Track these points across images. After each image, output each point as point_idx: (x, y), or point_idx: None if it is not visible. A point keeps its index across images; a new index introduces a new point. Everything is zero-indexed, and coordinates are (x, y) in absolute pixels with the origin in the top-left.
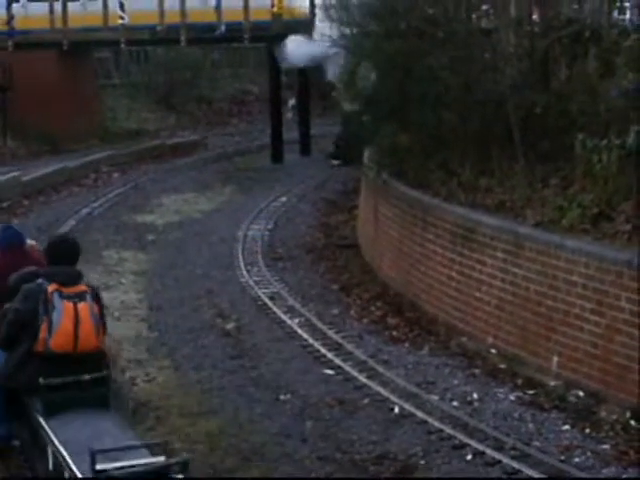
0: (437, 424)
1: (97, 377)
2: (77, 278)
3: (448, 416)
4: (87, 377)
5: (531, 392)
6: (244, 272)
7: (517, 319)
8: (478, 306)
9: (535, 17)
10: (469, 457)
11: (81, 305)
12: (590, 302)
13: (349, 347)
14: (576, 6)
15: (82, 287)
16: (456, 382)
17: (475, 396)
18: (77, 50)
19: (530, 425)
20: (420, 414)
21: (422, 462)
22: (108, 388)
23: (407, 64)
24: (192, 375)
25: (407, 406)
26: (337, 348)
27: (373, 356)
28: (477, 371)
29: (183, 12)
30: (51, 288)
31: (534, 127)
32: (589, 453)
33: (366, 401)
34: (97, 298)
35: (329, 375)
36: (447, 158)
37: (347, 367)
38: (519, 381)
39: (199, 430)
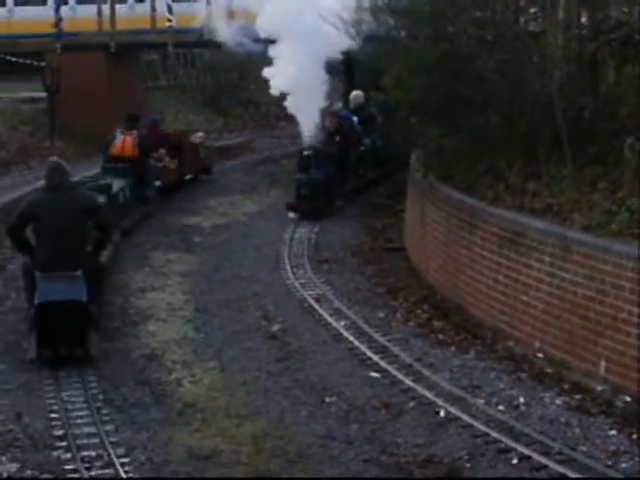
0: (483, 428)
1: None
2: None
3: (494, 420)
4: None
5: (578, 397)
6: (290, 274)
7: (564, 323)
8: (525, 310)
9: (584, 20)
10: (515, 461)
11: None
12: (638, 307)
13: (395, 350)
14: (626, 9)
15: None
16: (502, 386)
17: (521, 400)
18: (124, 52)
19: (576, 430)
20: (466, 418)
21: (467, 466)
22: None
23: (455, 67)
24: (238, 377)
25: (453, 410)
26: (383, 351)
27: (419, 359)
28: (523, 375)
29: (231, 13)
30: None
31: (582, 130)
32: (637, 459)
33: (412, 404)
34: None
35: (375, 378)
36: (494, 161)
37: (393, 370)
38: (566, 386)
39: (244, 432)
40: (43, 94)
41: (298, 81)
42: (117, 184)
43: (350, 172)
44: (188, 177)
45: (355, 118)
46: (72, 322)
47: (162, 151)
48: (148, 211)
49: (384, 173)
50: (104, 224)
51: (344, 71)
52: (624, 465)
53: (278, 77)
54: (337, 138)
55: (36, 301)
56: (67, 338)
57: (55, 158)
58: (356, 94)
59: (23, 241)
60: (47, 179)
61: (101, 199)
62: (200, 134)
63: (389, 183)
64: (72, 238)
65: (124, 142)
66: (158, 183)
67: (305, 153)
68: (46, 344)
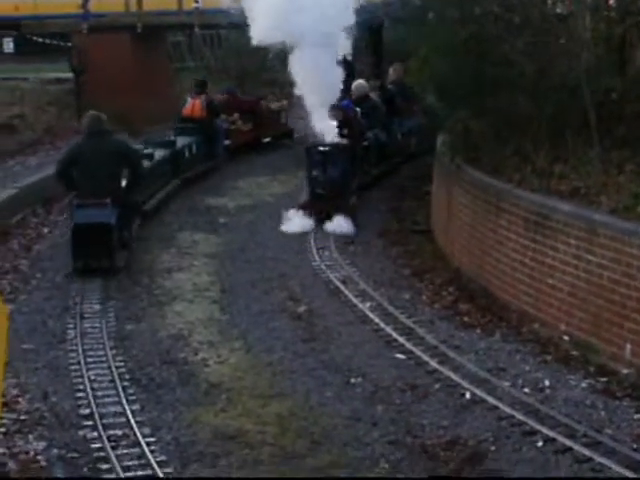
0: (508, 410)
1: None
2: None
3: (519, 402)
4: None
5: (603, 380)
6: (315, 256)
7: (590, 306)
8: (551, 293)
9: (612, 2)
10: (540, 444)
11: None
12: None
13: (420, 332)
14: None
15: None
16: (527, 368)
17: (547, 383)
18: (151, 33)
19: (602, 413)
20: (491, 400)
21: (492, 448)
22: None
23: (482, 49)
24: (263, 357)
25: (478, 392)
26: (408, 333)
27: (444, 341)
28: (549, 358)
29: None
30: None
31: (610, 113)
32: None
33: (437, 386)
34: None
35: (400, 360)
36: (521, 144)
37: (418, 352)
38: (591, 368)
39: (270, 412)
40: (69, 75)
41: (313, 82)
42: (183, 141)
43: (358, 167)
44: (266, 140)
45: (358, 109)
46: (100, 240)
47: (236, 115)
48: (215, 166)
49: (389, 169)
50: (134, 165)
51: (372, 46)
52: None
53: (297, 79)
54: (345, 131)
55: (72, 224)
56: (96, 253)
57: (93, 111)
58: (359, 84)
59: (69, 180)
60: (87, 127)
61: (137, 146)
62: (282, 102)
63: (414, 165)
64: (107, 175)
65: (193, 105)
66: (227, 142)
67: (320, 149)
68: (79, 258)
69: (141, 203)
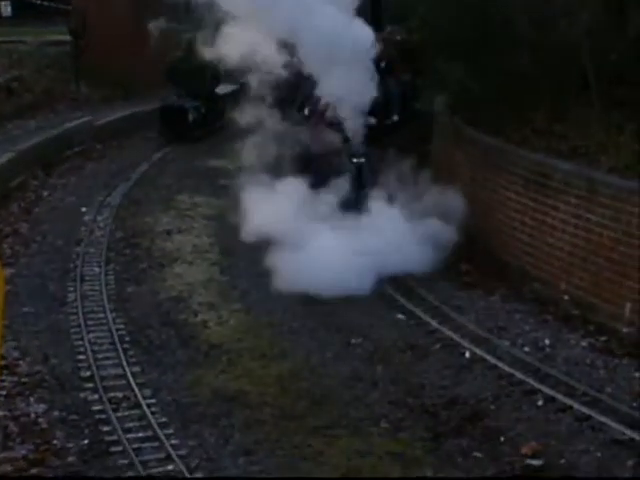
0: (508, 369)
1: None
2: None
3: (519, 361)
4: None
5: (603, 338)
6: None
7: (590, 265)
8: (551, 252)
9: None
10: (540, 403)
11: None
12: None
13: (421, 292)
14: None
15: None
16: (527, 328)
17: (547, 342)
18: None
19: (602, 371)
20: (491, 359)
21: (492, 407)
22: None
23: (482, 7)
24: (264, 318)
25: (478, 351)
26: (409, 293)
27: (445, 302)
28: (549, 317)
29: None
30: None
31: (610, 73)
32: None
33: (437, 346)
34: None
35: (401, 320)
36: (521, 104)
37: (419, 312)
38: (591, 327)
39: (270, 373)
40: (68, 37)
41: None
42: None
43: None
44: None
45: None
46: (178, 120)
47: None
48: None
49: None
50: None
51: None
52: None
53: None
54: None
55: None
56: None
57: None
58: None
59: None
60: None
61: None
62: None
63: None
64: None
65: None
66: None
67: (356, 161)
68: (163, 132)
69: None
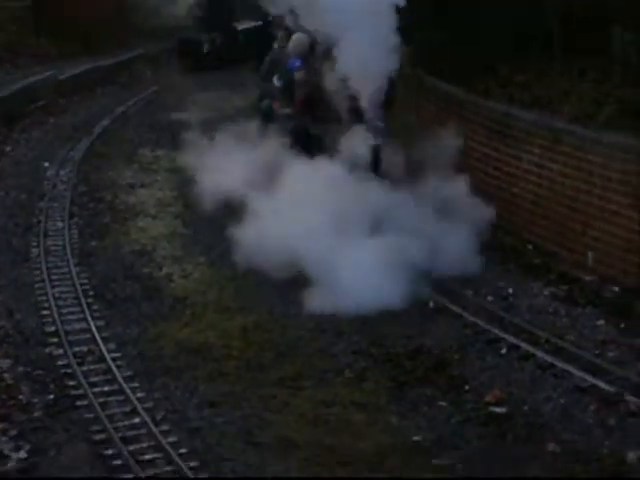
0: (472, 319)
1: None
2: None
3: (483, 310)
4: None
5: (566, 287)
6: None
7: (553, 214)
8: (513, 201)
9: None
10: (503, 351)
11: None
12: (626, 197)
13: None
14: None
15: None
16: (491, 277)
17: (510, 291)
18: None
19: (565, 320)
20: (455, 309)
21: (456, 356)
22: None
23: None
24: (228, 271)
25: (442, 301)
26: None
27: None
28: (512, 266)
29: None
30: None
31: (572, 21)
32: (624, 348)
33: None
34: None
35: None
36: (484, 54)
37: None
38: (554, 276)
39: (235, 325)
40: None
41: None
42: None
43: None
44: None
45: None
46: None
47: None
48: None
49: None
50: None
51: None
52: (611, 354)
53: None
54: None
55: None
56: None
57: None
58: (298, 38)
59: None
60: None
61: None
62: None
63: None
64: None
65: None
66: None
67: (373, 143)
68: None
69: None
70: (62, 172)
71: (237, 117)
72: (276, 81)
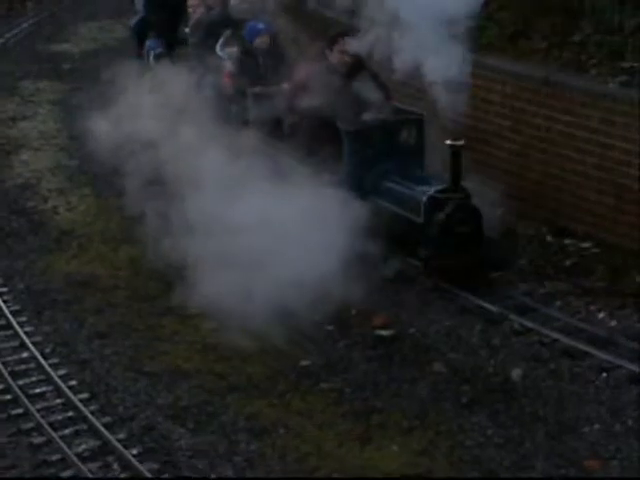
0: None
1: None
2: None
3: None
4: None
5: None
6: None
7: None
8: None
9: None
10: None
11: None
12: (508, 120)
13: None
14: None
15: None
16: None
17: None
18: None
19: None
20: None
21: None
22: None
23: None
24: (113, 202)
25: None
26: None
27: None
28: None
29: None
30: None
31: None
32: None
33: None
34: None
35: None
36: None
37: None
38: None
39: (122, 256)
40: None
41: None
42: None
43: None
44: None
45: None
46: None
47: None
48: None
49: None
50: None
51: None
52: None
53: None
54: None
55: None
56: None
57: None
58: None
59: None
60: None
61: None
62: None
63: None
64: None
65: None
66: None
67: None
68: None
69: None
70: None
71: (120, 48)
72: (221, 51)
